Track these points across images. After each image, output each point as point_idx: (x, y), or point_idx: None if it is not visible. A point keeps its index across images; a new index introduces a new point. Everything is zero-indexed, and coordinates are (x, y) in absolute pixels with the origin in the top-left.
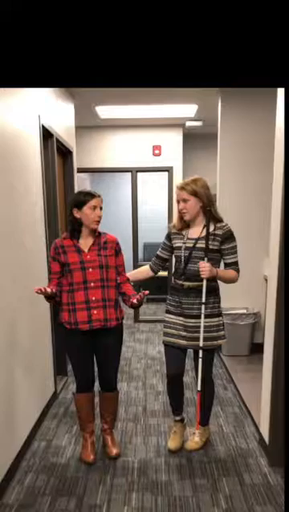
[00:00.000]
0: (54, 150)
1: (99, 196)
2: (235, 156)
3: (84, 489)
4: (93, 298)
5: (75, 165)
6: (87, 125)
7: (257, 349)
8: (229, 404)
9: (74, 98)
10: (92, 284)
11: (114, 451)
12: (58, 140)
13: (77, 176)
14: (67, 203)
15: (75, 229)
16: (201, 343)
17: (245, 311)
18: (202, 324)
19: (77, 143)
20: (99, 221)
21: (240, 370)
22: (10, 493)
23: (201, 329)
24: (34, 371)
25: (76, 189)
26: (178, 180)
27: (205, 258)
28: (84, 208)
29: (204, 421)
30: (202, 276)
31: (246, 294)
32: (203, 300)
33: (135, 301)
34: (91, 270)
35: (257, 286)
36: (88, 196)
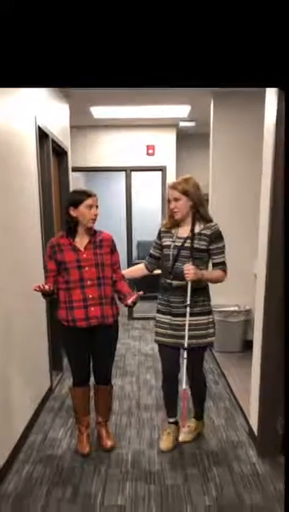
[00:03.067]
0: (50, 150)
1: (94, 195)
2: (227, 155)
3: (80, 479)
4: (90, 296)
5: (70, 165)
6: (82, 125)
7: (249, 346)
8: (220, 399)
9: (69, 98)
10: (89, 282)
11: (108, 443)
12: (53, 141)
13: (72, 174)
14: (63, 202)
15: (71, 227)
16: (186, 344)
17: (236, 308)
18: (187, 323)
19: (72, 142)
20: (95, 220)
21: (232, 366)
22: (8, 483)
23: (186, 328)
24: (30, 367)
25: (71, 188)
26: (171, 179)
27: (190, 261)
28: (81, 207)
29: (198, 415)
30: (187, 278)
31: (238, 292)
32: (188, 302)
33: (130, 302)
34: (87, 268)
35: (248, 284)
36: (84, 195)
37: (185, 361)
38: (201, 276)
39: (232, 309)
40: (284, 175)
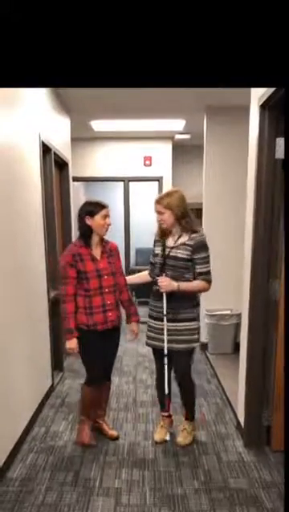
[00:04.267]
0: (52, 163)
1: (108, 206)
2: (219, 167)
3: (80, 466)
4: (108, 302)
5: (71, 175)
6: (83, 137)
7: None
8: (212, 396)
9: (70, 113)
10: (107, 290)
11: (115, 433)
12: (55, 153)
13: (72, 184)
14: (78, 212)
15: (89, 236)
16: (165, 349)
17: (229, 312)
18: (165, 329)
19: (73, 153)
20: (107, 229)
21: (223, 366)
22: (13, 470)
23: (165, 334)
24: (33, 367)
25: (72, 197)
26: (168, 188)
27: (164, 274)
28: (96, 216)
29: (189, 417)
30: (160, 290)
31: (231, 297)
32: (164, 312)
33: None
34: (106, 277)
35: (241, 289)
36: (100, 206)
37: (165, 366)
38: (177, 288)
39: (224, 312)
40: (284, 178)
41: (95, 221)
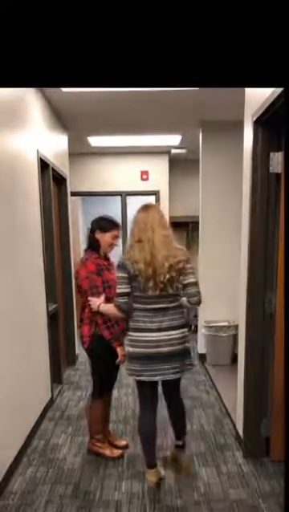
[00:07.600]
0: (50, 178)
1: (120, 227)
2: (215, 180)
3: (80, 479)
4: None
5: (69, 190)
6: (80, 152)
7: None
8: (210, 407)
9: (68, 130)
10: None
11: (124, 442)
12: (53, 169)
13: (70, 199)
14: (91, 224)
15: (98, 248)
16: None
17: (226, 324)
18: None
19: (71, 168)
20: (112, 248)
21: (222, 377)
22: (13, 483)
23: None
24: (33, 380)
25: (70, 212)
26: (164, 202)
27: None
28: (107, 233)
29: None
30: None
31: (229, 308)
32: None
33: None
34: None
35: (237, 301)
36: (114, 225)
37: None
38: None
39: (222, 324)
40: (284, 182)
41: (104, 238)
